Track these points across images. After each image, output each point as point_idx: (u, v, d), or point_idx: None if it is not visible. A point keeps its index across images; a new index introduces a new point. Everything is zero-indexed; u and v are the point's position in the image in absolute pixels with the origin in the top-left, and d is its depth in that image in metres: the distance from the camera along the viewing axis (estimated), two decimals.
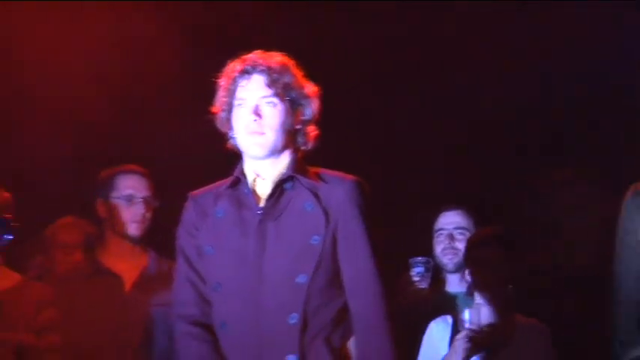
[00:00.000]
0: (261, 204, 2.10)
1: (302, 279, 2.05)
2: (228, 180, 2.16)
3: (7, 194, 3.04)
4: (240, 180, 2.13)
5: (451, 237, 3.18)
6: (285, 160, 2.13)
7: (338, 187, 2.12)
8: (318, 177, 2.15)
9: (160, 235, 2.95)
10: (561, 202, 3.32)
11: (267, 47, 2.11)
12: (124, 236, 3.05)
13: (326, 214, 2.08)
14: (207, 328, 2.11)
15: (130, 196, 3.03)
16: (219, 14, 3.66)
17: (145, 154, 3.29)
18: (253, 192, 2.13)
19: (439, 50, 3.77)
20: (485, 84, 3.79)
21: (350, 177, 2.16)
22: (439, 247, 3.17)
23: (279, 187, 2.10)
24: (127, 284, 3.02)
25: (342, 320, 2.11)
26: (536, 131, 3.91)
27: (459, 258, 3.09)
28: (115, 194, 3.01)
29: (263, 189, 2.12)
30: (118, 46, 3.52)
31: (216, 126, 2.16)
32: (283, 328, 2.03)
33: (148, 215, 3.08)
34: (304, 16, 3.77)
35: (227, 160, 2.21)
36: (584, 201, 3.28)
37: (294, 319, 2.03)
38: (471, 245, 2.93)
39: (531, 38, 3.81)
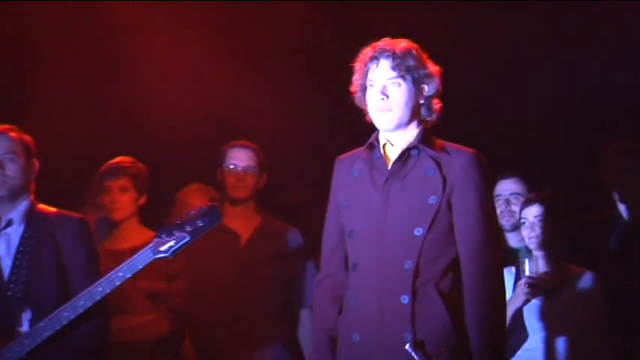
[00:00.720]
0: (390, 166, 2.29)
1: (419, 232, 2.23)
2: (365, 145, 2.37)
3: (141, 165, 3.42)
4: (374, 145, 2.33)
5: (507, 202, 3.43)
6: (412, 131, 2.30)
7: (458, 158, 2.28)
8: (442, 148, 2.31)
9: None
10: (616, 166, 3.53)
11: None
12: (230, 199, 3.43)
13: (444, 179, 2.24)
14: (335, 278, 2.38)
15: (233, 165, 3.41)
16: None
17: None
18: (384, 156, 2.32)
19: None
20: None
21: (470, 150, 2.31)
22: (497, 210, 3.33)
23: (406, 154, 2.27)
24: (243, 240, 3.41)
25: (453, 270, 2.27)
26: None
27: (515, 219, 3.35)
28: (225, 164, 3.41)
29: (392, 154, 2.31)
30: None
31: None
32: (400, 272, 2.22)
33: (249, 182, 3.43)
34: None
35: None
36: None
37: (409, 265, 2.21)
38: (522, 208, 3.23)
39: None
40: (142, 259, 2.51)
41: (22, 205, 2.72)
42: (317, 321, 2.47)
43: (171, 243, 2.49)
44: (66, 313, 2.56)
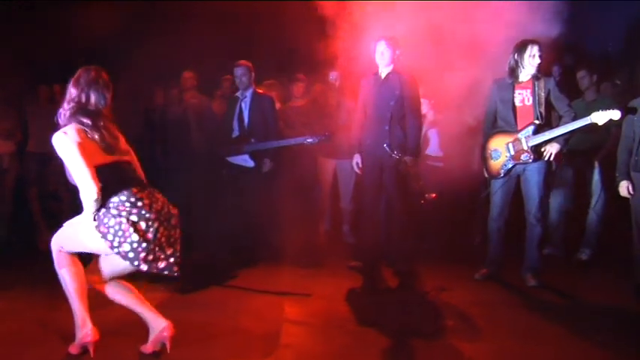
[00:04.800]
0: (382, 78, 5.38)
1: (391, 102, 5.36)
2: (374, 71, 5.46)
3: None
4: (377, 72, 5.42)
5: None
6: (391, 66, 5.36)
7: (406, 76, 5.33)
8: (401, 72, 5.30)
9: None
10: None
11: None
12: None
13: (402, 84, 5.31)
14: (361, 121, 5.52)
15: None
16: None
17: None
18: (380, 75, 5.42)
19: None
20: None
21: (410, 73, 5.26)
22: None
23: (388, 75, 5.36)
24: None
25: (404, 118, 5.32)
26: None
27: None
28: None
29: (383, 75, 5.40)
30: None
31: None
32: (384, 118, 5.34)
33: None
34: None
35: None
36: None
37: (387, 115, 5.31)
38: None
39: None
40: (300, 141, 5.82)
41: (250, 90, 6.01)
42: (353, 137, 5.73)
43: (310, 140, 5.68)
44: (275, 143, 5.90)
